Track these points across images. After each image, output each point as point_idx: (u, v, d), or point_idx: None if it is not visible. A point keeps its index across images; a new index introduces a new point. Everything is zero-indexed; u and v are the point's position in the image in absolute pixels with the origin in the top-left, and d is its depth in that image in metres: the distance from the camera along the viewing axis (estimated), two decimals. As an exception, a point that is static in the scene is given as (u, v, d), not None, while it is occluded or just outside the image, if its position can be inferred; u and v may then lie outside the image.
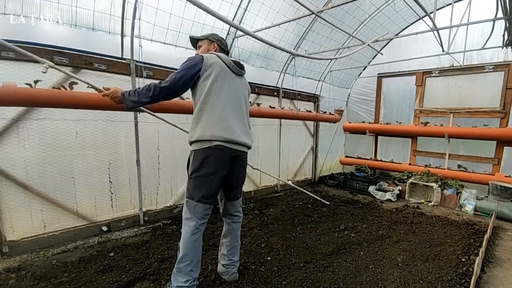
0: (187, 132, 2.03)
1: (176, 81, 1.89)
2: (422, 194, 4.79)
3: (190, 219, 1.94)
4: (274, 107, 4.36)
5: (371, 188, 5.08)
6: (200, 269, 2.07)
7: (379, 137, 6.22)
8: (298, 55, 2.22)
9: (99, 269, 2.32)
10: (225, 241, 2.23)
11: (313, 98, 5.77)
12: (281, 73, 4.86)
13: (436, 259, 2.64)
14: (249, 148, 2.10)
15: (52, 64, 1.83)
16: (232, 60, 2.07)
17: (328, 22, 3.20)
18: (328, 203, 3.98)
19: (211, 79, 1.93)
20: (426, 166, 5.24)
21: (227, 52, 2.24)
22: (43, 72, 1.83)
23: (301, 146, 5.79)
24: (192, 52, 3.60)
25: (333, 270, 2.40)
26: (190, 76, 1.92)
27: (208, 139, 1.88)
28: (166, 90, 1.89)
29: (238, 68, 2.09)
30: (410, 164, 5.57)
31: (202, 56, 1.97)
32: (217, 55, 2.03)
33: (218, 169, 1.92)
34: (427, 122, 5.17)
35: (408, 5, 4.11)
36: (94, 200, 3.05)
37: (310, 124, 5.89)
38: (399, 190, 4.94)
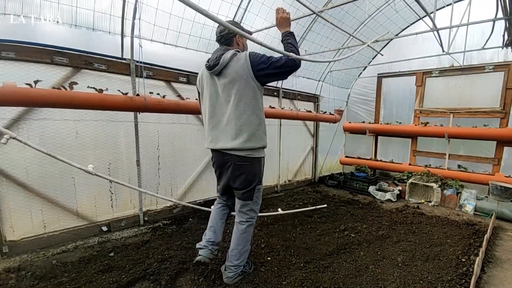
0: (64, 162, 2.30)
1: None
2: (422, 194, 4.79)
3: None
4: (274, 107, 4.36)
5: (371, 188, 5.07)
6: (214, 235, 2.27)
7: (379, 137, 6.22)
8: (294, 58, 2.19)
9: (99, 269, 2.32)
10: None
11: (313, 98, 5.77)
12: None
13: (436, 259, 2.64)
14: (241, 150, 2.01)
15: (15, 135, 1.97)
16: (209, 62, 2.02)
17: (328, 21, 3.20)
18: (325, 205, 4.03)
19: (200, 96, 2.25)
20: (426, 166, 5.24)
21: (224, 42, 2.09)
22: (3, 143, 1.91)
23: (301, 146, 5.79)
24: (191, 53, 3.60)
25: (333, 270, 2.40)
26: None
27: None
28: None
29: (210, 70, 2.01)
30: (410, 164, 5.57)
31: None
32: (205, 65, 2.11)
33: (215, 170, 2.29)
34: (427, 122, 5.17)
35: (408, 5, 4.10)
36: (94, 200, 3.05)
37: (310, 124, 5.89)
38: (399, 190, 4.93)
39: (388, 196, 4.77)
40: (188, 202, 3.84)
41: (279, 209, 3.25)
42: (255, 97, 1.99)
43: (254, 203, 2.18)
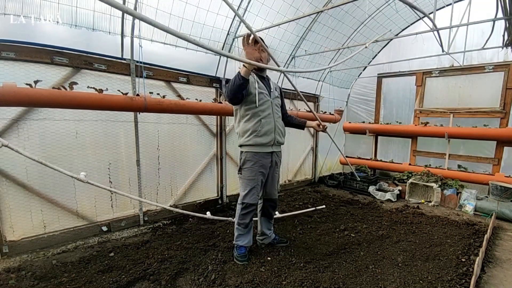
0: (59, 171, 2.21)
1: None
2: (422, 194, 4.79)
3: None
4: (274, 107, 4.35)
5: (371, 188, 5.07)
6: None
7: (379, 137, 6.22)
8: (287, 71, 2.19)
9: (99, 269, 2.32)
10: None
11: (313, 98, 5.77)
12: (281, 73, 4.85)
13: (436, 259, 2.64)
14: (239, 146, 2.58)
15: (7, 143, 2.01)
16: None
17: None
18: (324, 206, 4.06)
19: None
20: (426, 166, 5.24)
21: None
22: None
23: (301, 146, 5.79)
24: (191, 53, 3.60)
25: (333, 270, 2.40)
26: None
27: None
28: None
29: None
30: (410, 164, 5.57)
31: None
32: None
33: None
34: (427, 122, 5.17)
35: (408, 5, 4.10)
36: (94, 200, 3.05)
37: (310, 124, 5.88)
38: (399, 190, 4.93)
39: (388, 196, 4.77)
40: (188, 202, 3.86)
41: (276, 212, 3.24)
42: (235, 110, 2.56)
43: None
